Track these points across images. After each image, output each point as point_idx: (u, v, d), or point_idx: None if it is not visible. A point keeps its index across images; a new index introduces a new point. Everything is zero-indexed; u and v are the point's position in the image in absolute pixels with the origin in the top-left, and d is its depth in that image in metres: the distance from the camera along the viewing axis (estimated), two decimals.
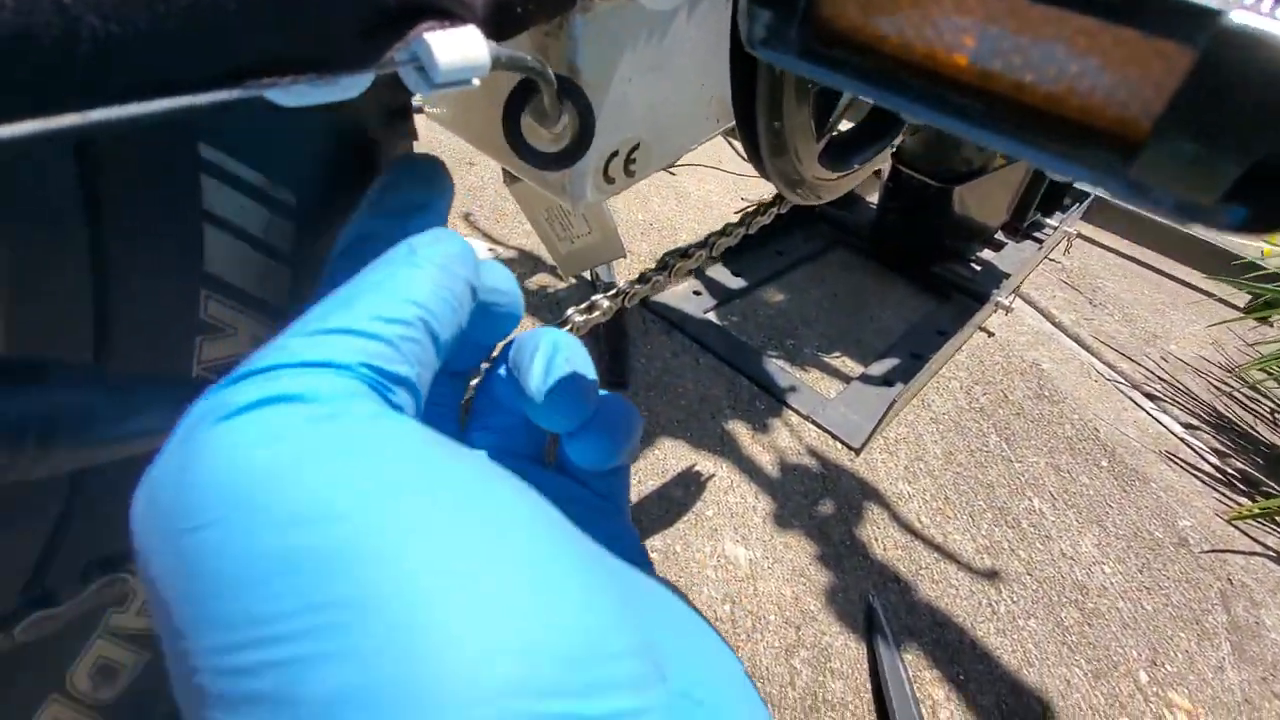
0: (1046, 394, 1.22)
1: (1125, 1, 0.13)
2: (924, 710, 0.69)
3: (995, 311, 1.33)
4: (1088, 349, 1.38)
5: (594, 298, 0.49)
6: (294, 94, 0.19)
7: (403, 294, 0.15)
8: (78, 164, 0.21)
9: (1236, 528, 1.02)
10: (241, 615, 0.10)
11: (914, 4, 0.16)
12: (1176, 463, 1.13)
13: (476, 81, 0.22)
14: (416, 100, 0.40)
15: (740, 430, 0.98)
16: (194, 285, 0.26)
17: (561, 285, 1.18)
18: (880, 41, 0.17)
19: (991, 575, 0.86)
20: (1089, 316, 1.49)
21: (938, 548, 0.88)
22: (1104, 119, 0.14)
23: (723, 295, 1.24)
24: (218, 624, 0.10)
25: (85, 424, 0.19)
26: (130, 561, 0.27)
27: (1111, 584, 0.89)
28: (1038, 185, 1.20)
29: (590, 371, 0.21)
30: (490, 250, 1.22)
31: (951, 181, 1.17)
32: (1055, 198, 1.51)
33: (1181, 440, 1.18)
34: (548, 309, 1.12)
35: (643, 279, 0.51)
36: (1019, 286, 1.46)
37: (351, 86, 0.20)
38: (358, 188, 0.29)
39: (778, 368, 1.10)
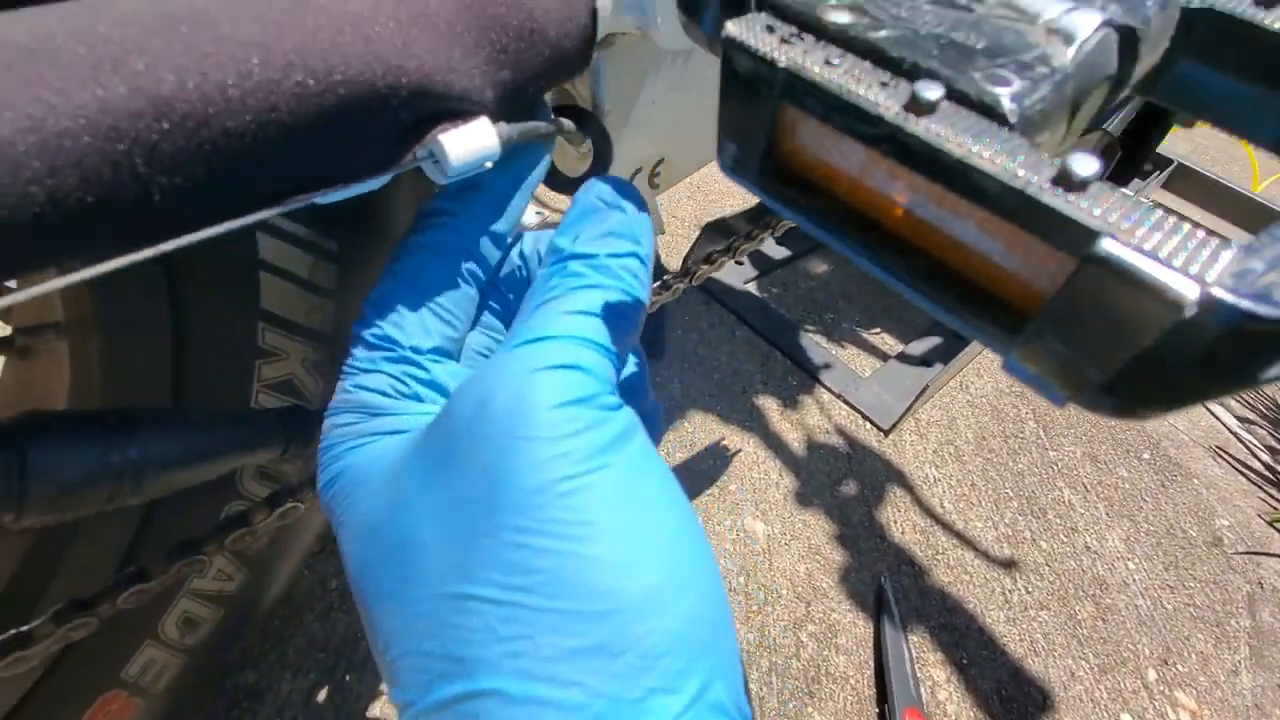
0: None
1: (1019, 208, 0.14)
2: (923, 690, 0.73)
3: None
4: None
5: None
6: (330, 196, 0.22)
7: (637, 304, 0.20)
8: None
9: (1277, 529, 0.99)
10: (538, 512, 0.15)
11: (853, 167, 0.18)
12: (1225, 458, 1.10)
13: (489, 165, 0.25)
14: None
15: (770, 406, 1.00)
16: (253, 320, 0.30)
17: None
18: (830, 183, 0.19)
19: (1009, 564, 0.88)
20: None
21: (957, 534, 0.90)
22: (1008, 294, 0.16)
23: (765, 265, 1.23)
24: (522, 510, 0.15)
25: (170, 463, 0.23)
26: (208, 544, 0.32)
27: (1134, 580, 0.89)
28: (1111, 154, 1.13)
29: (647, 377, 0.26)
30: (538, 214, 1.24)
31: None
32: (1133, 164, 1.42)
33: (1234, 434, 1.14)
34: None
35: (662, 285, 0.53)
36: None
37: (378, 183, 0.23)
38: (392, 231, 0.32)
39: (814, 343, 1.11)
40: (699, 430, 0.94)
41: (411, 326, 0.21)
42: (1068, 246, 0.14)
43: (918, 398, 0.98)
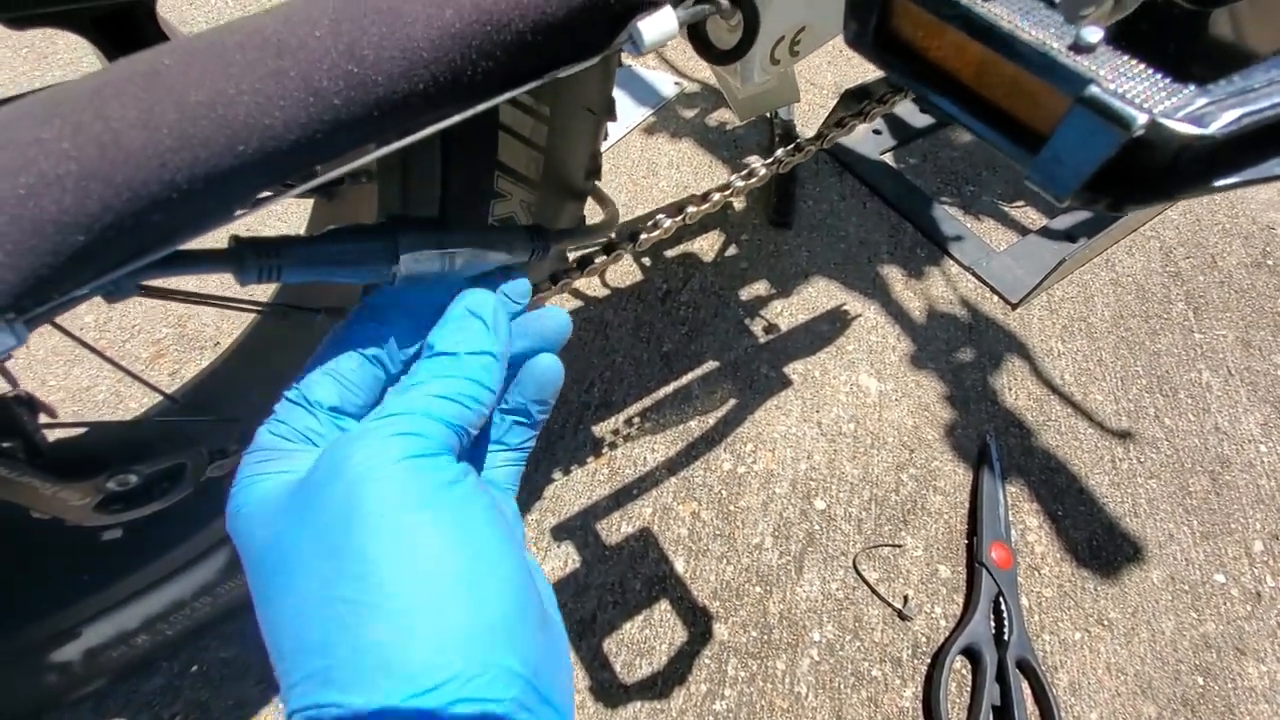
0: (1270, 263, 1.09)
1: (1041, 63, 0.22)
2: (1013, 532, 0.81)
3: None
4: None
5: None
6: (567, 70, 0.32)
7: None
8: None
9: None
10: (379, 536, 0.21)
11: (940, 38, 0.25)
12: None
13: (670, 42, 0.33)
14: None
15: (895, 276, 1.04)
16: (491, 167, 0.42)
17: (741, 123, 1.23)
18: (924, 51, 0.26)
19: (1124, 436, 0.90)
20: None
21: (1074, 404, 0.92)
22: (1038, 125, 0.24)
23: (904, 134, 1.21)
24: (369, 532, 0.21)
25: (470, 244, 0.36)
26: None
27: (1262, 461, 0.89)
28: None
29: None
30: (676, 84, 1.28)
31: (1208, 3, 0.99)
32: None
33: None
34: (725, 146, 1.19)
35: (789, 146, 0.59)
36: None
37: (596, 60, 0.32)
38: (582, 99, 0.41)
39: (947, 215, 1.11)
40: (821, 295, 1.00)
41: (315, 388, 0.25)
42: (1070, 90, 0.21)
43: (1051, 273, 0.97)
